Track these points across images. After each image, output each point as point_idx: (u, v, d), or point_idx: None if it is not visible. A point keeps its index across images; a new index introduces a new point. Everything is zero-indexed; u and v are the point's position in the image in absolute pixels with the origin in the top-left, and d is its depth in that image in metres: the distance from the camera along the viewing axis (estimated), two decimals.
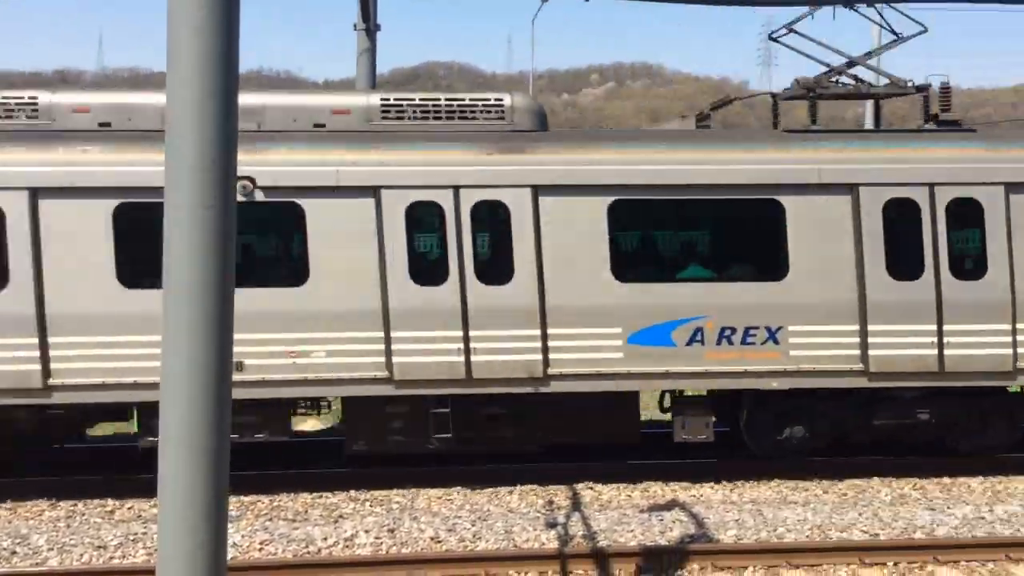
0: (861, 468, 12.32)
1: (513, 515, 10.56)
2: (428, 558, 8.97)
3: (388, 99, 11.75)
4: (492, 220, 11.36)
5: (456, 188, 11.15)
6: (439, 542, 9.52)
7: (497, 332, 11.18)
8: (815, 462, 12.38)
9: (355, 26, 16.81)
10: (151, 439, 10.79)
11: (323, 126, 11.53)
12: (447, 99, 11.88)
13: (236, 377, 10.01)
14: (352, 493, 11.55)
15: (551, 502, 11.17)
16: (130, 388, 10.85)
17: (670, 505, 10.90)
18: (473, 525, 9.99)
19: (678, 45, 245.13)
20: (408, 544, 9.49)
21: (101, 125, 11.29)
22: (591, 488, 11.71)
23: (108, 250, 10.82)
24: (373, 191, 11.05)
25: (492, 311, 11.17)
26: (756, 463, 12.35)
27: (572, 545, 9.44)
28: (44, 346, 10.75)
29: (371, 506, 11.12)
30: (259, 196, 10.88)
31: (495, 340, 11.19)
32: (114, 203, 10.83)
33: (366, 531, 9.80)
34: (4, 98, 11.34)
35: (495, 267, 11.30)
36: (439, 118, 11.69)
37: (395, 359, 11.10)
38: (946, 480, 11.99)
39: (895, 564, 8.97)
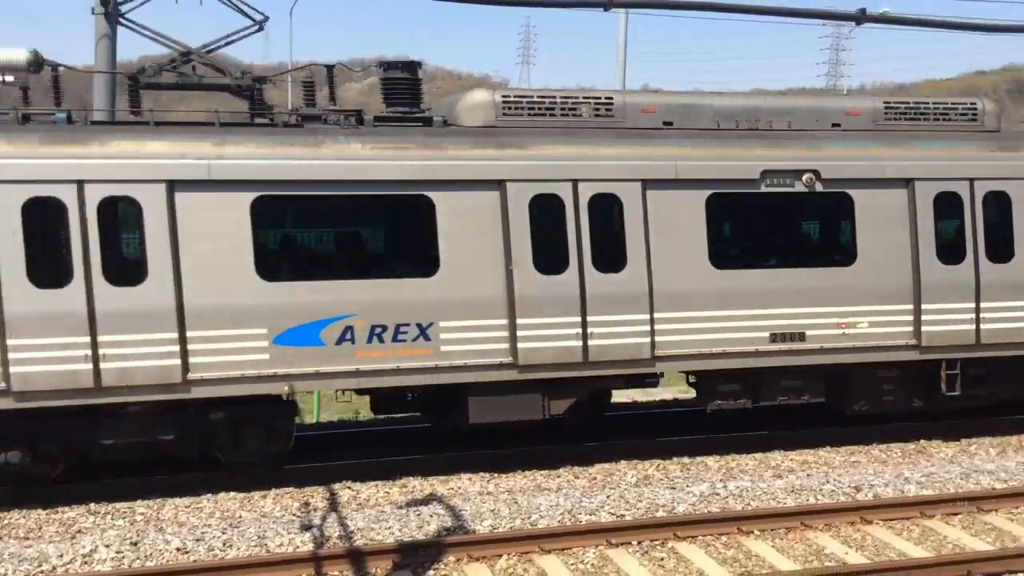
0: (610, 452, 12.89)
1: (267, 519, 10.28)
2: (173, 570, 8.55)
3: (890, 102, 13.59)
4: (997, 208, 13.30)
5: (971, 180, 13.16)
6: (186, 553, 9.11)
7: (1003, 303, 13.16)
8: (565, 448, 12.86)
9: (93, 10, 15.68)
10: (718, 402, 12.73)
11: (839, 125, 13.22)
12: (934, 103, 13.72)
13: (798, 346, 12.54)
14: (92, 506, 10.88)
15: (307, 504, 10.97)
16: (724, 357, 12.34)
17: (428, 500, 10.97)
18: (224, 533, 9.63)
19: (439, 42, 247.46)
20: (153, 557, 9.03)
21: (665, 124, 12.61)
22: (349, 487, 11.59)
23: (702, 233, 12.19)
24: (906, 183, 12.88)
25: (1000, 286, 13.15)
26: (508, 452, 12.67)
27: (328, 546, 9.30)
28: (652, 321, 12.00)
29: (112, 519, 10.52)
30: (818, 187, 12.55)
31: (1001, 311, 13.15)
32: (706, 193, 12.23)
33: (107, 545, 9.24)
34: (585, 97, 12.44)
35: (1001, 248, 13.24)
36: (928, 119, 13.55)
37: (923, 328, 12.87)
38: (686, 460, 12.76)
39: (639, 543, 9.44)
